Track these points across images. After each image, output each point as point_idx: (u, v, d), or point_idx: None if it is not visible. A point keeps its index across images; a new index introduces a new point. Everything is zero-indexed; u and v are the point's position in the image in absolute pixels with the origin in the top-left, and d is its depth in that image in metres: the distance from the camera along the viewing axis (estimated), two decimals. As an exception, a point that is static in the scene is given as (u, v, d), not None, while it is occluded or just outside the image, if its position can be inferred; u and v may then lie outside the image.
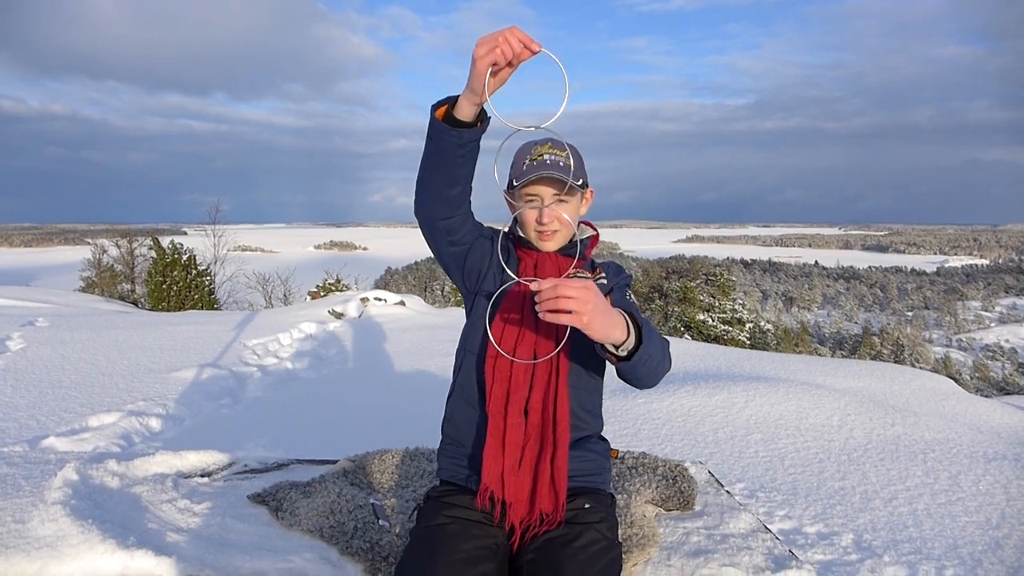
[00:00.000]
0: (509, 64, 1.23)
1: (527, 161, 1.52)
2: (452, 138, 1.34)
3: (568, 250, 1.60)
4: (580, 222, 1.65)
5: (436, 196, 1.45)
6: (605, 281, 1.61)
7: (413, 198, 1.49)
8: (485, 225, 1.65)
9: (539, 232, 1.55)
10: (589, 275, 1.60)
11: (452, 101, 1.33)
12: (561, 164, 1.49)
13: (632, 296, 1.63)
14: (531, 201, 1.54)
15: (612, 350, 1.32)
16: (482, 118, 1.35)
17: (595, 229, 1.67)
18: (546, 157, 1.50)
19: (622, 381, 1.45)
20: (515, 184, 1.52)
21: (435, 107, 1.36)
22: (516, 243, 1.63)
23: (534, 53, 1.22)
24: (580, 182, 1.52)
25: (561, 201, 1.53)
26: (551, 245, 1.57)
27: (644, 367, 1.35)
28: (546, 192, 1.52)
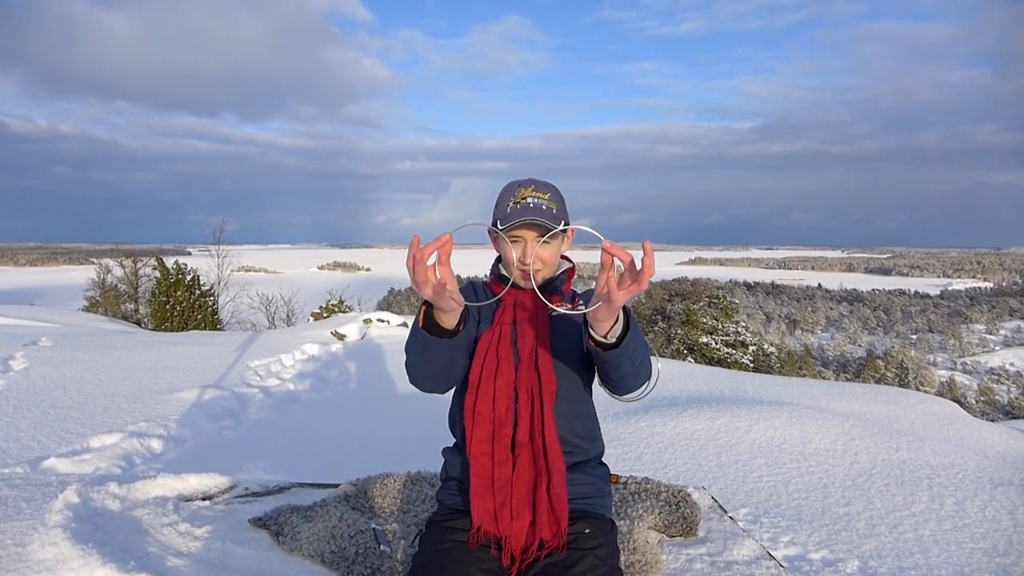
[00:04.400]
0: (440, 262, 1.22)
1: (511, 203, 1.55)
2: (441, 345, 1.38)
3: (547, 287, 1.62)
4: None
5: (440, 382, 1.50)
6: (585, 308, 1.63)
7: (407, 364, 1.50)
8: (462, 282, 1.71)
9: (522, 271, 1.58)
10: (569, 306, 1.62)
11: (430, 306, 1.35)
12: (544, 208, 1.53)
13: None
14: (515, 242, 1.56)
15: (600, 339, 1.32)
16: (463, 320, 1.39)
17: (571, 261, 1.70)
18: (529, 200, 1.53)
19: (606, 388, 1.46)
20: (500, 226, 1.54)
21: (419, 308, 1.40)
22: (498, 281, 1.66)
23: (443, 245, 1.19)
24: (562, 225, 1.55)
25: (543, 243, 1.56)
26: (532, 283, 1.59)
27: (630, 360, 1.35)
28: (529, 235, 1.55)
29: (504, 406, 1.49)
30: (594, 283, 1.73)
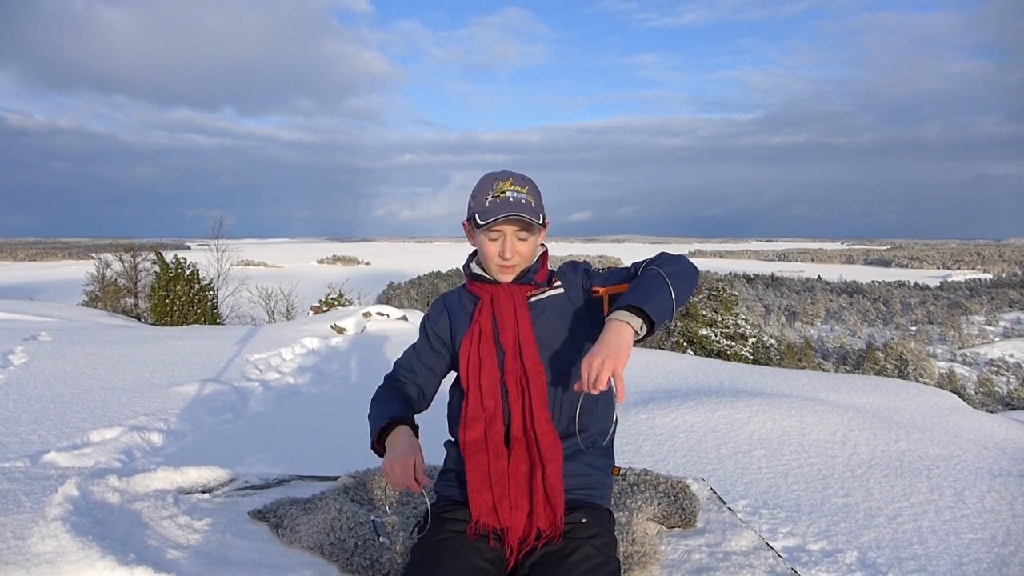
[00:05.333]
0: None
1: (490, 197, 1.53)
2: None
3: (521, 277, 1.62)
4: None
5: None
6: (562, 289, 1.64)
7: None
8: (434, 302, 1.76)
9: (500, 266, 1.58)
10: (546, 290, 1.63)
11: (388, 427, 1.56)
12: (524, 202, 1.52)
13: (600, 270, 1.66)
14: (495, 239, 1.56)
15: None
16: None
17: (543, 244, 1.69)
18: (509, 194, 1.52)
19: None
20: (479, 222, 1.53)
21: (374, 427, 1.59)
22: (470, 278, 1.67)
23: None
24: (541, 220, 1.55)
25: (522, 239, 1.56)
26: (509, 277, 1.61)
27: (671, 315, 1.42)
28: (509, 229, 1.54)
29: (492, 403, 1.51)
30: (563, 263, 1.75)
